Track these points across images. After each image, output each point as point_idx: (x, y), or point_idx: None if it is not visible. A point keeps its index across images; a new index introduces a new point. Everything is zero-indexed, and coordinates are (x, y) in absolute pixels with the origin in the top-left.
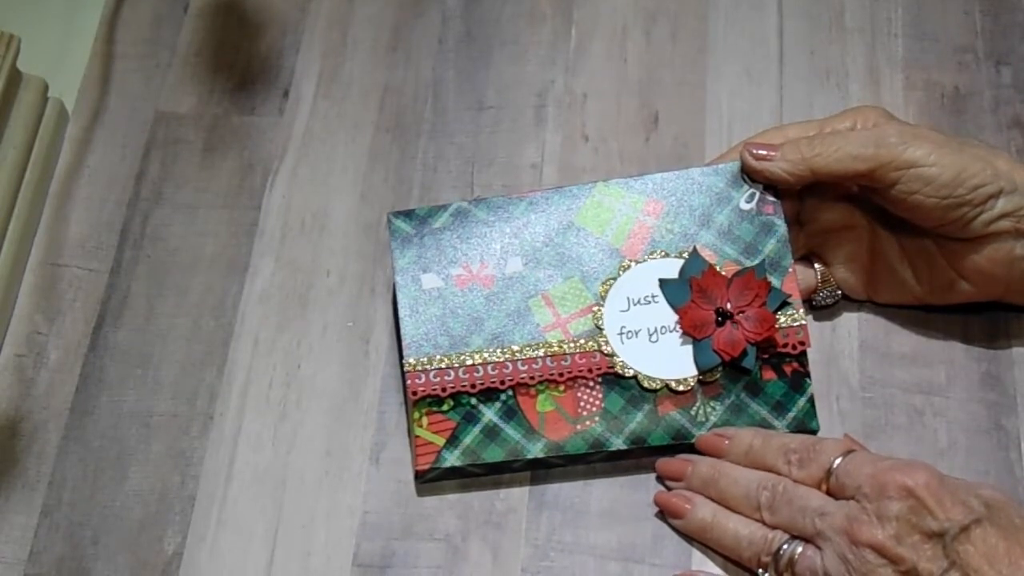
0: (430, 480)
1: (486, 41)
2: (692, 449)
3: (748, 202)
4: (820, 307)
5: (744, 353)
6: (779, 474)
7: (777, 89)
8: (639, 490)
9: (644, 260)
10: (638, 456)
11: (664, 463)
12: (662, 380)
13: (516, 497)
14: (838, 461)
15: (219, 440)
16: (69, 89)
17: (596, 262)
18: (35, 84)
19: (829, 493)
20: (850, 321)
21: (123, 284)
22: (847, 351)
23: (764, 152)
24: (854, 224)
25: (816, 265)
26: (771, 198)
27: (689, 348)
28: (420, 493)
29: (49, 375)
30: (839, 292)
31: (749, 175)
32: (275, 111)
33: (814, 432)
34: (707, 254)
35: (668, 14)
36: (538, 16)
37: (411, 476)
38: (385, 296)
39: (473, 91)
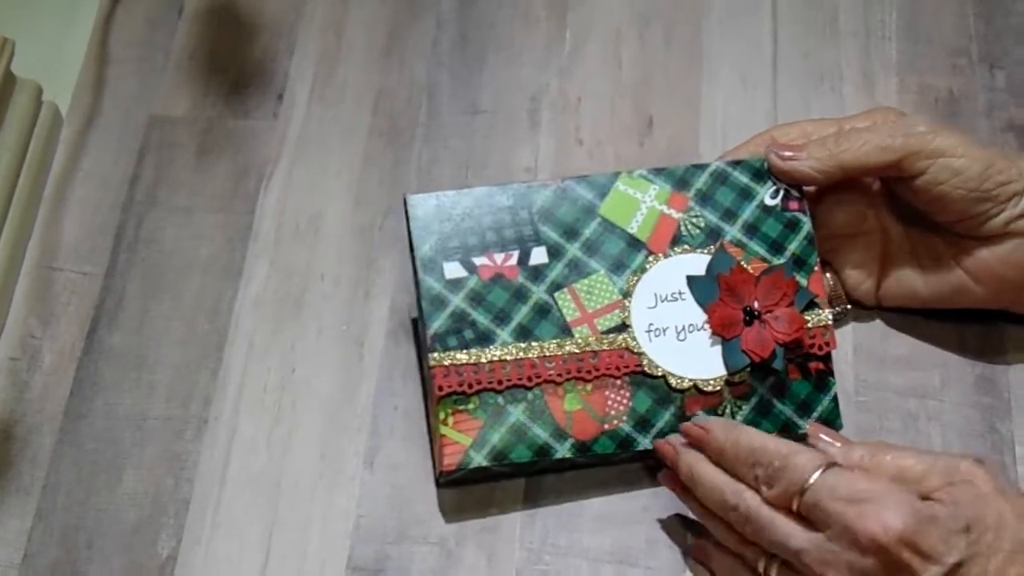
0: (453, 480)
1: (480, 44)
2: None
3: (773, 198)
4: None
5: (773, 354)
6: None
7: (771, 92)
8: (633, 494)
9: (670, 255)
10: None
11: (659, 445)
12: (691, 380)
13: (511, 500)
14: (812, 479)
15: (213, 443)
16: (63, 92)
17: (622, 255)
18: (29, 88)
19: (800, 511)
20: (844, 325)
21: (117, 287)
22: (841, 355)
23: (790, 153)
24: (867, 229)
25: (827, 275)
26: (796, 194)
27: (718, 348)
28: (414, 499)
29: (43, 378)
30: (849, 307)
31: (776, 177)
32: (269, 115)
33: (837, 431)
34: (733, 250)
35: (662, 18)
36: (532, 20)
37: (404, 480)
38: (379, 299)
39: (467, 94)
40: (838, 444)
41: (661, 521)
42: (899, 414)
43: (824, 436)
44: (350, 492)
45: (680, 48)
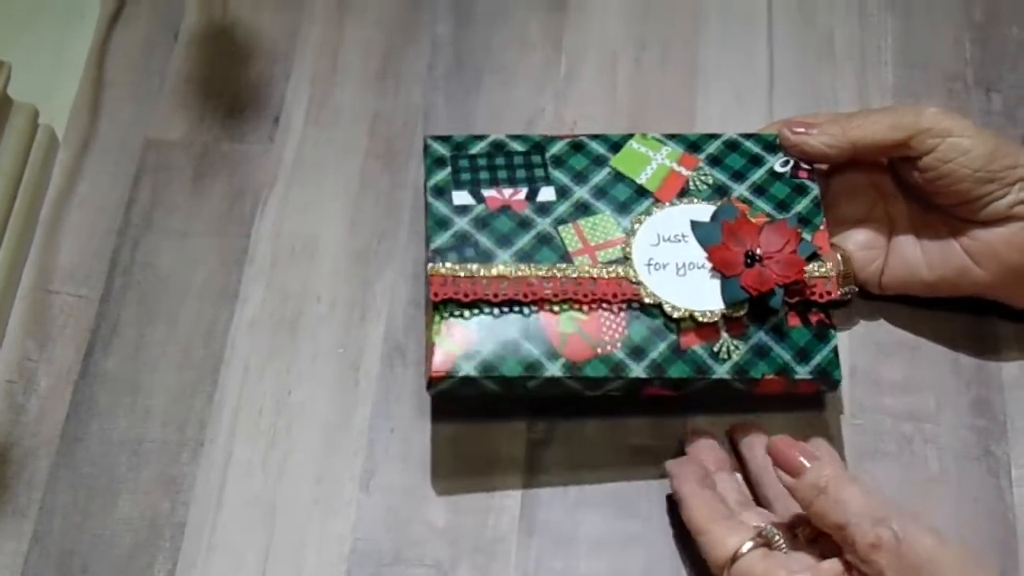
0: (441, 391)
1: (476, 68)
2: (715, 384)
3: (783, 166)
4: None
5: (772, 292)
6: None
7: (767, 115)
8: (629, 516)
9: (676, 204)
10: (657, 387)
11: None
12: (687, 309)
13: (506, 523)
14: (742, 549)
15: (209, 467)
16: (59, 116)
17: (629, 201)
18: (25, 111)
19: None
20: (839, 347)
21: (113, 311)
22: None
23: (802, 129)
24: (874, 217)
25: (837, 256)
26: (806, 166)
27: (716, 284)
28: (410, 522)
29: (39, 402)
30: (855, 289)
31: (788, 152)
32: (265, 138)
33: (837, 382)
34: (740, 206)
35: (658, 40)
36: (528, 43)
37: (400, 503)
38: (375, 322)
39: (463, 117)
40: (830, 455)
41: (657, 546)
42: (894, 437)
43: (790, 448)
44: (346, 515)
45: (675, 70)
